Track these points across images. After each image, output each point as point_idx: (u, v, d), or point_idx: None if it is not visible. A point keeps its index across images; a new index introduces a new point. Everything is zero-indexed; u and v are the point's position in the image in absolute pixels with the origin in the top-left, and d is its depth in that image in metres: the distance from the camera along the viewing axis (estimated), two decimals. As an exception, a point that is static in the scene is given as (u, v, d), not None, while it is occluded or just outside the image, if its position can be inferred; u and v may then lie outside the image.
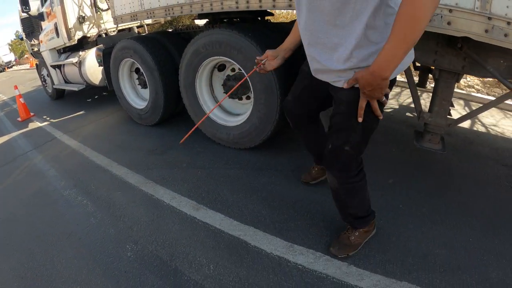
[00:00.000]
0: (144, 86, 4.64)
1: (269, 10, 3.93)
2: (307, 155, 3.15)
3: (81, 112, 6.60)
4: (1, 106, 11.07)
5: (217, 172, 3.23)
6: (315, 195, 2.75)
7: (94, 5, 6.32)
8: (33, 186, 3.75)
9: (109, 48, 4.87)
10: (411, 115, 4.27)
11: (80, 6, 6.26)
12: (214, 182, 3.10)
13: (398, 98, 5.02)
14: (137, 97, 4.97)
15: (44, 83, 8.90)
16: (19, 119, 7.29)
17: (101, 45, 5.30)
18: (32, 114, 7.32)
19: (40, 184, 3.74)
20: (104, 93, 7.85)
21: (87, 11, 6.40)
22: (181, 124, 4.67)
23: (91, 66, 6.23)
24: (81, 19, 6.33)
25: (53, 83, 7.84)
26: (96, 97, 7.77)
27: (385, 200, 2.64)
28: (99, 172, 3.70)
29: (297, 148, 3.45)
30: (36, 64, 9.34)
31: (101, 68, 5.31)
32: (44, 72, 8.41)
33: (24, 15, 7.72)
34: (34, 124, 6.53)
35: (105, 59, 5.01)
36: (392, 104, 4.66)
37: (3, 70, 53.71)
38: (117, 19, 4.68)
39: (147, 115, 4.62)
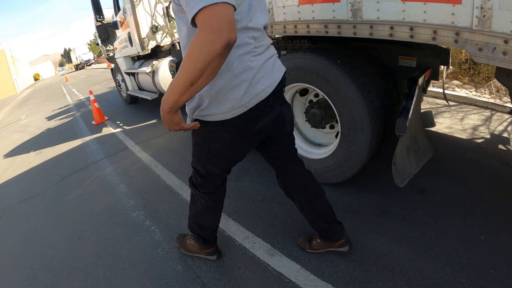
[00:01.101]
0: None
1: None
2: (393, 198, 2.83)
3: (154, 121, 6.67)
4: (77, 106, 11.68)
5: (294, 209, 2.94)
6: (400, 248, 2.38)
7: (167, 14, 6.34)
8: (102, 202, 3.72)
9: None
10: (504, 148, 3.59)
11: (153, 16, 6.33)
12: (291, 223, 2.81)
13: (489, 124, 4.30)
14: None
15: (118, 87, 9.28)
16: (93, 122, 7.53)
17: (174, 58, 5.24)
18: (106, 118, 7.55)
19: (109, 201, 3.70)
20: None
21: (160, 21, 6.44)
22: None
23: (165, 76, 6.24)
24: (154, 29, 6.38)
25: (127, 89, 8.05)
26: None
27: (474, 261, 2.17)
28: (169, 195, 3.57)
29: (380, 186, 3.07)
30: (111, 68, 9.78)
31: (175, 79, 5.26)
32: (119, 77, 8.75)
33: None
34: (108, 130, 6.69)
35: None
36: (482, 131, 4.01)
37: (83, 67, 57.84)
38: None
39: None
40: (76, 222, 3.48)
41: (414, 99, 2.35)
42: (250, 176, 3.63)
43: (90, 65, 55.12)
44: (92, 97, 7.73)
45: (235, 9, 1.28)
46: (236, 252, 2.60)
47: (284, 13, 2.91)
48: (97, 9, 6.93)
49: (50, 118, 11.10)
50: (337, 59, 2.71)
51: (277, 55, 1.87)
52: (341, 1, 2.38)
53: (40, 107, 16.50)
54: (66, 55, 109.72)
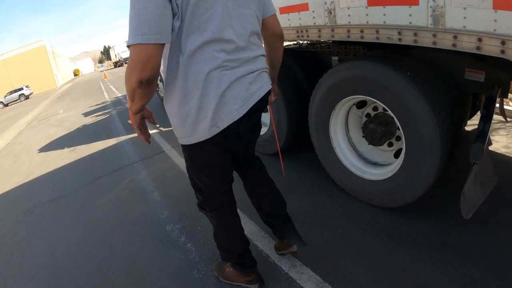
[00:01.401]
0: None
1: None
2: (453, 229, 2.43)
3: None
4: (114, 103, 11.69)
5: (347, 235, 2.57)
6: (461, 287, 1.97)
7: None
8: (134, 210, 3.48)
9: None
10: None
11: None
12: (342, 251, 2.42)
13: None
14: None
15: (156, 87, 9.08)
16: (129, 121, 7.38)
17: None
18: (143, 118, 7.42)
19: (142, 209, 3.46)
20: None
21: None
22: (305, 155, 3.93)
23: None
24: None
25: (162, 94, 7.91)
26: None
27: None
28: (207, 208, 3.25)
29: (439, 213, 2.63)
30: None
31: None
32: None
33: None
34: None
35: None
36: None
37: (121, 65, 59.10)
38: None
39: (266, 143, 4.06)
40: (106, 230, 3.26)
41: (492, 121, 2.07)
42: (297, 193, 3.26)
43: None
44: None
45: (163, 44, 1.34)
46: (281, 283, 2.24)
47: (349, 15, 2.57)
48: None
49: (86, 114, 11.14)
50: (406, 70, 2.33)
51: (264, 70, 1.77)
52: (420, 5, 2.03)
53: (77, 102, 16.77)
54: (106, 53, 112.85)
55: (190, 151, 1.74)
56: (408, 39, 2.19)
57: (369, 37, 2.46)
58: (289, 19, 3.10)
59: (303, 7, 2.91)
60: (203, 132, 1.57)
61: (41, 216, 4.01)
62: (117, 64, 64.33)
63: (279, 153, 3.43)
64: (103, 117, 9.49)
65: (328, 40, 3.12)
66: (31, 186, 5.32)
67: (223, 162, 1.81)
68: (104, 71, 41.40)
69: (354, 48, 3.02)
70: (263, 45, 1.84)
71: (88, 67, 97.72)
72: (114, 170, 4.70)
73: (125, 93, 13.77)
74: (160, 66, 1.38)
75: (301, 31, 3.04)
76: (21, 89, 38.21)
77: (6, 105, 35.88)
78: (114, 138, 6.40)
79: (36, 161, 6.75)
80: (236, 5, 1.53)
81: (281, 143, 3.70)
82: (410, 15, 2.10)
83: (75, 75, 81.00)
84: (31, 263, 3.08)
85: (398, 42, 2.26)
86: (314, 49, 3.61)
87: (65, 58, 72.49)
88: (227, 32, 1.49)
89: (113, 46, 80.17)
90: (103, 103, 13.04)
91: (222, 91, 1.50)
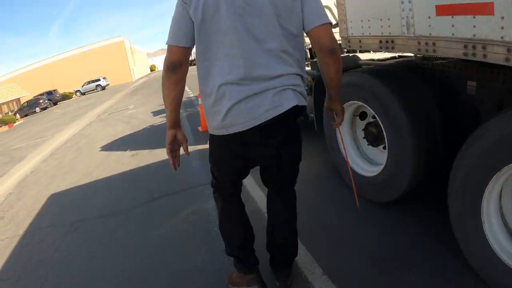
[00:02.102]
0: (375, 143, 3.03)
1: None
2: None
3: None
4: (186, 104, 11.15)
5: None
6: None
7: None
8: (193, 256, 2.69)
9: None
10: None
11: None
12: None
13: None
14: (359, 156, 3.31)
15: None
16: (199, 128, 6.72)
17: (314, 70, 4.10)
18: (214, 126, 6.71)
19: (202, 257, 2.65)
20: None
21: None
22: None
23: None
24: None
25: None
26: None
27: None
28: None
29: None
30: None
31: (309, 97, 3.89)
32: None
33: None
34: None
35: (317, 87, 3.59)
36: None
37: (191, 63, 59.66)
38: (350, 42, 3.05)
39: (378, 188, 2.92)
40: (153, 275, 2.56)
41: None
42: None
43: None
44: (200, 101, 6.90)
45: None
46: None
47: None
48: None
49: (156, 113, 10.76)
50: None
51: (288, 87, 1.71)
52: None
53: (149, 98, 16.72)
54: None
55: (211, 139, 1.90)
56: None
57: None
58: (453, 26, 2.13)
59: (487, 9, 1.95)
60: (214, 129, 1.76)
61: (86, 235, 3.45)
62: (192, 63, 65.66)
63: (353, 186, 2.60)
64: (171, 119, 8.96)
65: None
66: (84, 191, 4.85)
67: (228, 161, 1.91)
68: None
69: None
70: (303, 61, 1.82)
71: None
72: (177, 192, 3.95)
73: (197, 92, 13.38)
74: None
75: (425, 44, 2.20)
76: (98, 80, 40.16)
77: (83, 94, 37.74)
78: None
79: (96, 160, 6.31)
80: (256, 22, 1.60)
81: (397, 191, 2.72)
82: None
83: (152, 70, 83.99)
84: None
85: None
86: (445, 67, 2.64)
87: (143, 54, 75.36)
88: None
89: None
90: (173, 103, 12.60)
91: (229, 106, 1.61)
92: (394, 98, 2.52)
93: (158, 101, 14.08)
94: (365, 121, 3.05)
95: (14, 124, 24.88)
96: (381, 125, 2.73)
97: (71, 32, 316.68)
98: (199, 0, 1.54)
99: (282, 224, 2.13)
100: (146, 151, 6.05)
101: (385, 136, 2.68)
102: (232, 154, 1.83)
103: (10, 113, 32.22)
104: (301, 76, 1.78)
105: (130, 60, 53.18)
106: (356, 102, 2.95)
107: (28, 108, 32.15)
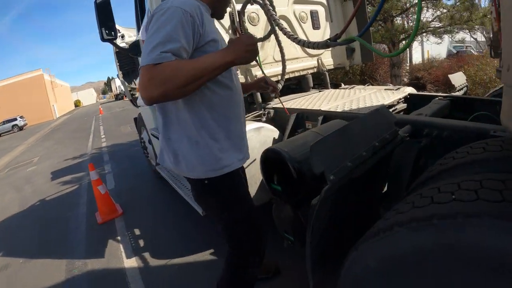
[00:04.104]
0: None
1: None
2: None
3: (210, 251, 3.56)
4: (94, 159, 8.30)
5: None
6: None
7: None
8: None
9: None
10: None
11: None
12: None
13: None
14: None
15: (144, 151, 6.03)
16: (98, 218, 4.56)
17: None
18: (119, 211, 4.56)
19: None
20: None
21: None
22: None
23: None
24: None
25: (155, 162, 4.96)
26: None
27: None
28: None
29: None
30: (135, 118, 6.30)
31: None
32: (144, 135, 5.55)
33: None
34: (115, 244, 3.71)
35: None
36: None
37: (122, 98, 55.03)
38: None
39: None
40: None
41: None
42: None
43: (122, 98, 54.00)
44: (94, 176, 4.67)
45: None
46: None
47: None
48: (104, 18, 3.20)
49: (57, 174, 8.23)
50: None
51: None
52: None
53: (59, 146, 14.08)
54: (109, 84, 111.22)
55: (219, 180, 1.62)
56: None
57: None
58: None
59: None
60: (238, 162, 1.67)
61: None
62: (118, 97, 61.25)
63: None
64: (69, 189, 6.63)
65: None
66: None
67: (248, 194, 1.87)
68: (100, 106, 38.67)
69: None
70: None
71: (90, 98, 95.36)
72: None
73: (112, 142, 11.05)
74: None
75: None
76: (15, 119, 35.80)
77: (-1, 135, 33.38)
78: (64, 260, 3.58)
79: None
80: None
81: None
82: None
83: (76, 106, 78.45)
84: None
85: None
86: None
87: (66, 88, 69.51)
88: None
89: (113, 78, 76.53)
90: (81, 156, 10.13)
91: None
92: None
93: (65, 152, 11.57)
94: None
95: None
96: None
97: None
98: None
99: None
100: (19, 263, 3.78)
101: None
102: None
103: None
104: None
105: (50, 95, 48.26)
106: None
107: None
